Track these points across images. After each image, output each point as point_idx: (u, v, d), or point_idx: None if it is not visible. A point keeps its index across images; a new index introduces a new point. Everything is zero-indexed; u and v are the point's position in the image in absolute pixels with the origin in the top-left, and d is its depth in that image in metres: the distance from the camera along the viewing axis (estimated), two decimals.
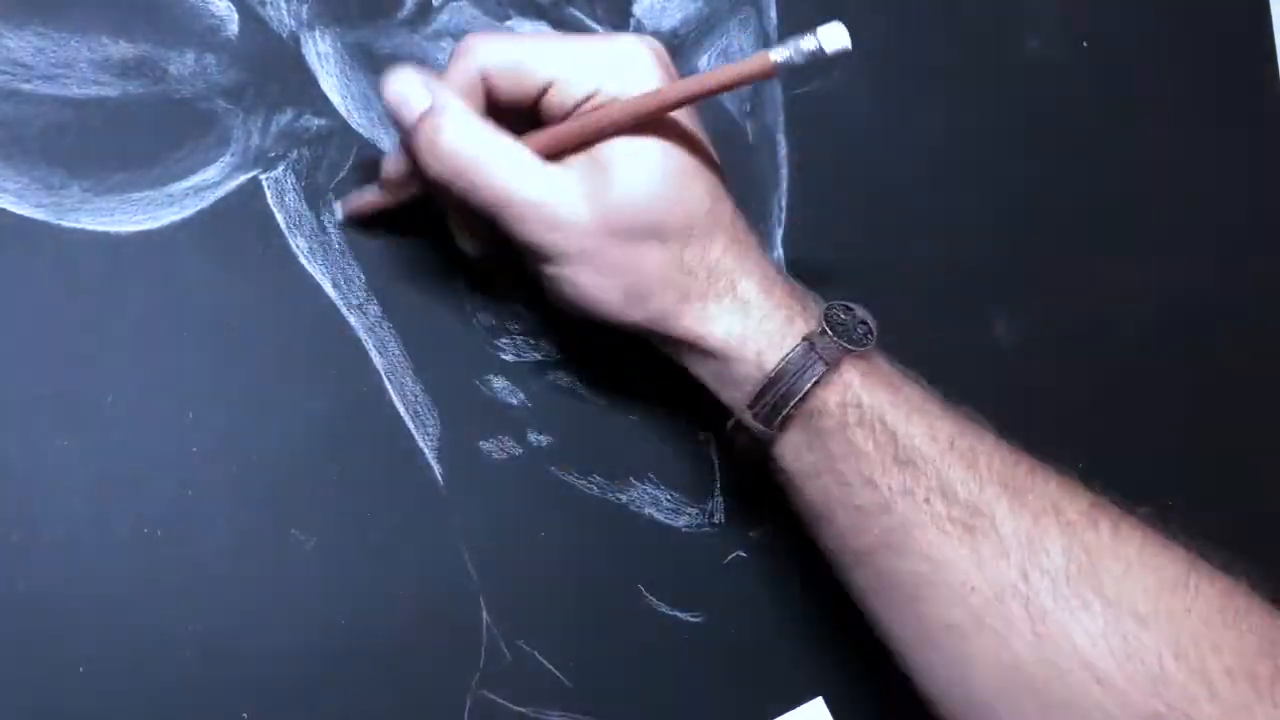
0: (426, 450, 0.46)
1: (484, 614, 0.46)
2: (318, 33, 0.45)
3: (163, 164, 0.42)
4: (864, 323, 0.43)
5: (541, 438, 0.48)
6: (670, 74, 0.41)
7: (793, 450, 0.42)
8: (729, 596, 0.50)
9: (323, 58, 0.45)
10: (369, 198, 0.44)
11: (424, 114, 0.40)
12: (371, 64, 0.45)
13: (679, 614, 0.50)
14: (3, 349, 0.40)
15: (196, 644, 0.42)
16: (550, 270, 0.42)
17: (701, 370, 0.43)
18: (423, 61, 0.46)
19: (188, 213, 0.43)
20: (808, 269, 0.53)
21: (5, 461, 0.40)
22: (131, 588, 0.41)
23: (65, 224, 0.41)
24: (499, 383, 0.47)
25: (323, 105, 0.45)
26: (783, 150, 0.53)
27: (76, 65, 0.41)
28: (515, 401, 0.47)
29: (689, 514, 0.50)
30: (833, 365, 0.41)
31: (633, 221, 0.41)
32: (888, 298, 0.55)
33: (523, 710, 0.47)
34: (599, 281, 0.41)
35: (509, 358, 0.47)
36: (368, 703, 0.44)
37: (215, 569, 0.43)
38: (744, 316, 0.42)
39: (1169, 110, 0.62)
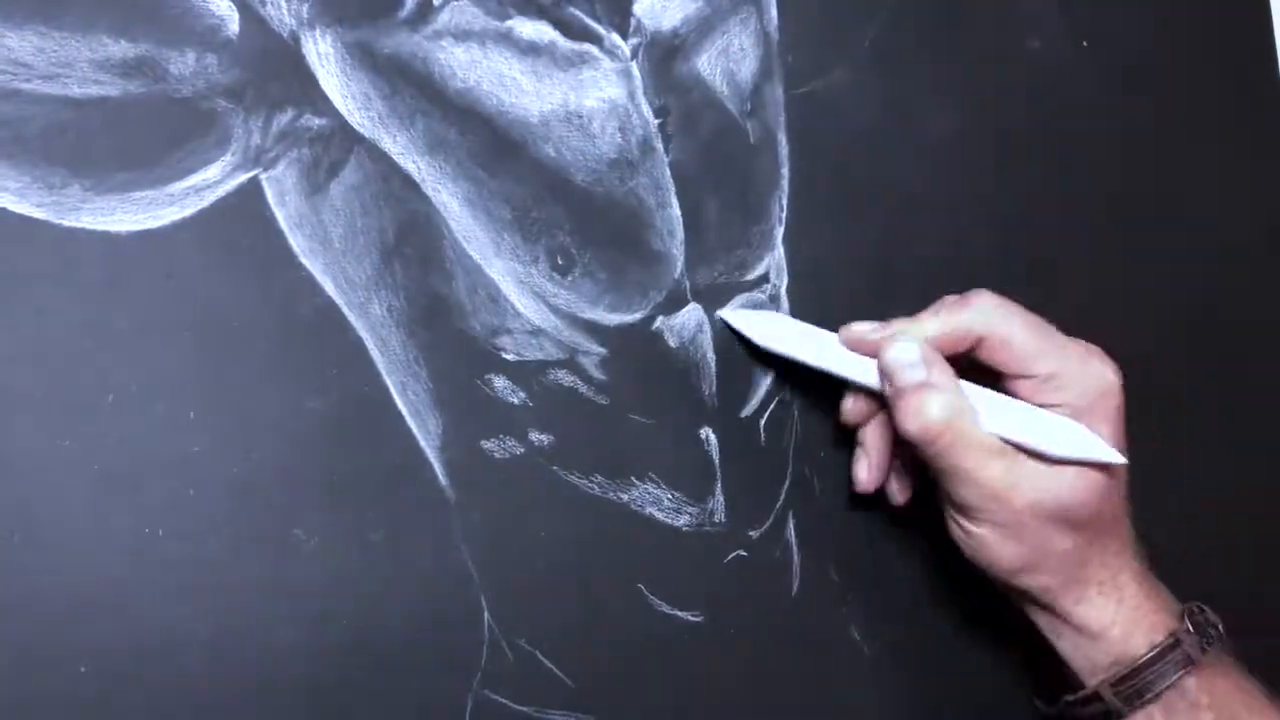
0: (427, 450, 0.46)
1: (485, 614, 0.46)
2: (318, 32, 0.45)
3: (163, 163, 0.42)
4: (1215, 625, 0.48)
5: (543, 437, 0.48)
6: (1121, 404, 0.48)
7: None
8: (729, 596, 0.50)
9: (323, 57, 0.45)
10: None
11: (915, 386, 0.46)
12: (372, 63, 0.45)
13: (679, 614, 0.50)
14: (3, 349, 0.40)
15: (196, 644, 0.42)
16: (967, 524, 0.47)
17: (1062, 642, 0.49)
18: (423, 61, 0.46)
19: (188, 212, 0.43)
20: (808, 269, 0.53)
21: (5, 461, 0.40)
22: (131, 588, 0.41)
23: (65, 223, 0.41)
24: (500, 382, 0.47)
25: (323, 105, 0.45)
26: (784, 150, 0.53)
27: (77, 65, 0.41)
28: (516, 401, 0.47)
29: (689, 514, 0.50)
30: (1193, 662, 0.47)
31: (1062, 514, 0.46)
32: (888, 297, 0.55)
33: (524, 710, 0.47)
34: (1007, 549, 0.47)
35: (510, 357, 0.47)
36: (368, 703, 0.44)
37: (215, 569, 0.42)
38: (1118, 604, 0.47)
39: (1169, 110, 0.62)
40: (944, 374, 0.46)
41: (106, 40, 0.42)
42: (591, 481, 0.48)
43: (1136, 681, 0.47)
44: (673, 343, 0.50)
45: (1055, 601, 0.47)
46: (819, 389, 0.53)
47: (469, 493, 0.46)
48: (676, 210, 0.50)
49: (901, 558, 0.55)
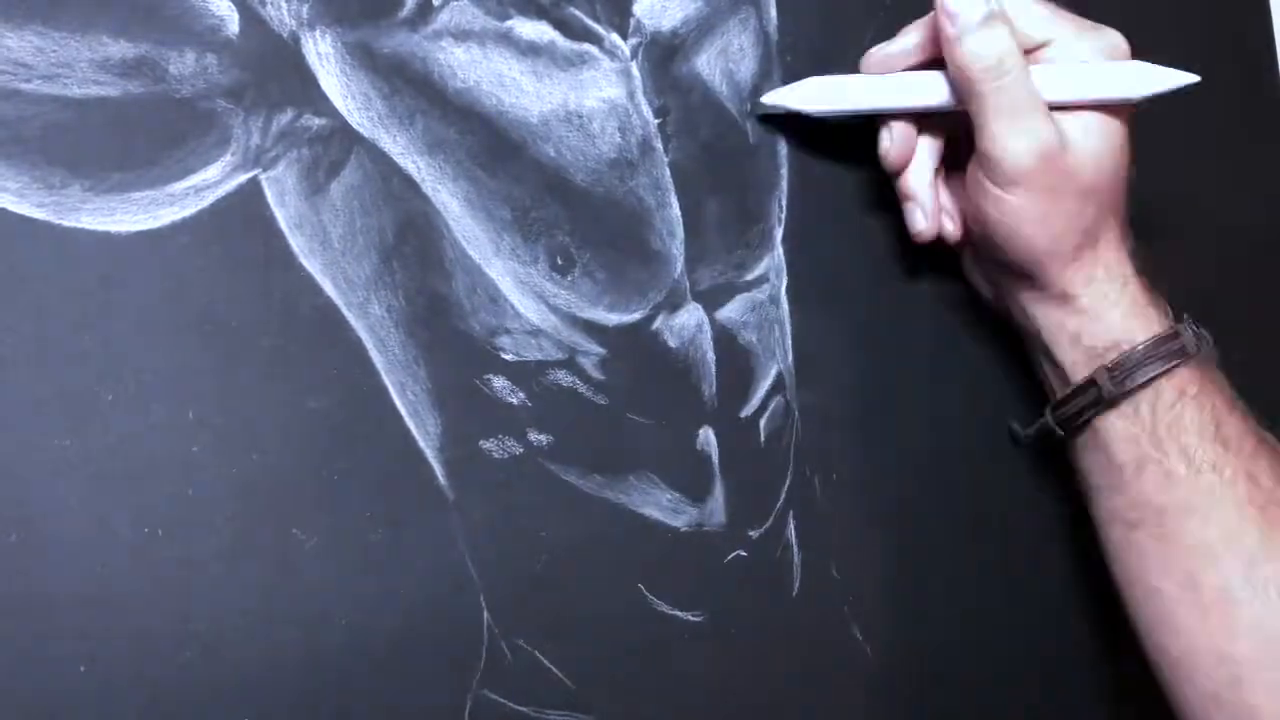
0: (427, 450, 0.46)
1: (484, 613, 0.46)
2: (318, 32, 0.45)
3: (163, 163, 0.42)
4: (1208, 338, 0.50)
5: (542, 437, 0.48)
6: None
7: (1127, 414, 0.49)
8: (729, 596, 0.50)
9: (323, 57, 0.45)
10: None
11: (986, 15, 0.46)
12: (372, 63, 0.45)
13: (679, 614, 0.50)
14: (3, 349, 0.40)
15: (196, 644, 0.42)
16: (1007, 188, 0.48)
17: (1056, 323, 0.50)
18: (423, 61, 0.46)
19: (188, 212, 0.43)
20: (808, 268, 0.53)
21: (5, 461, 0.40)
22: (131, 588, 0.41)
23: (65, 223, 0.41)
24: (499, 382, 0.47)
25: (323, 105, 0.45)
26: (783, 150, 0.53)
27: (77, 65, 0.41)
28: (515, 401, 0.47)
29: (689, 514, 0.50)
30: (1190, 355, 0.48)
31: (1094, 180, 0.48)
32: (887, 297, 0.55)
33: (524, 710, 0.47)
34: (1042, 214, 0.48)
35: (509, 357, 0.47)
36: (367, 702, 0.44)
37: (215, 569, 0.42)
38: (1122, 287, 0.49)
39: (1169, 110, 0.62)
40: (1008, 16, 0.47)
41: (106, 40, 0.42)
42: (591, 481, 0.48)
43: (1132, 366, 0.48)
44: (672, 343, 0.50)
45: (1069, 282, 0.49)
46: (819, 390, 0.53)
47: (468, 493, 0.46)
48: (676, 210, 0.50)
49: (901, 557, 0.55)
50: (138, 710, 0.41)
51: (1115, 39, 0.49)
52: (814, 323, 0.53)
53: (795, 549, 0.52)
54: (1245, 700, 0.45)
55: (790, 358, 0.52)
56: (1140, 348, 0.48)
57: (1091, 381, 0.49)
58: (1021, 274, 0.50)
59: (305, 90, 0.45)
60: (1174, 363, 0.48)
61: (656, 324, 0.49)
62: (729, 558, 0.51)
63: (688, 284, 0.50)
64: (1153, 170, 0.62)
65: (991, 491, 0.56)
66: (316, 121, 0.45)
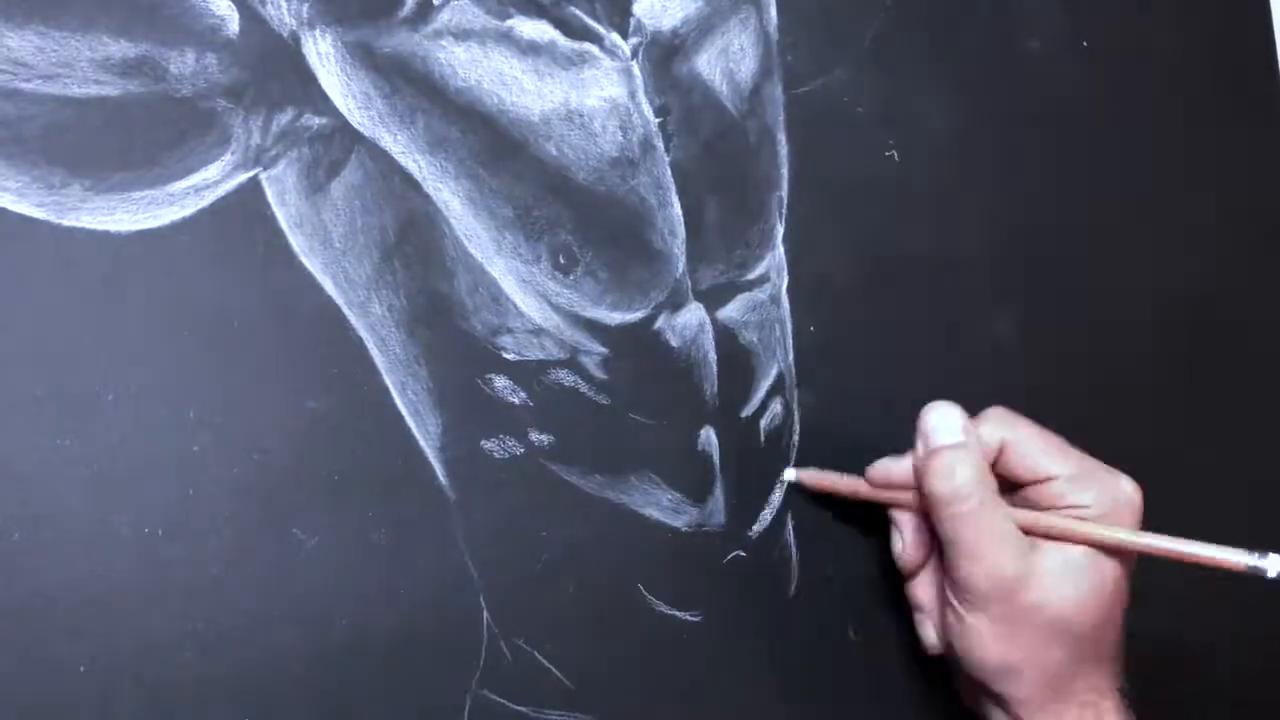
0: (427, 449, 0.46)
1: (484, 613, 0.46)
2: (318, 32, 0.45)
3: (163, 163, 0.42)
4: None
5: (543, 437, 0.48)
6: (1138, 517, 0.47)
7: None
8: (729, 596, 0.50)
9: (323, 57, 0.45)
10: (829, 483, 0.51)
11: (952, 445, 0.46)
12: (372, 63, 0.45)
13: (679, 614, 0.50)
14: (3, 349, 0.40)
15: (196, 644, 0.42)
16: (963, 610, 0.46)
17: None
18: (424, 60, 0.46)
19: (188, 212, 0.43)
20: (808, 268, 0.53)
21: (5, 461, 0.40)
22: (131, 588, 0.41)
23: (65, 223, 0.41)
24: (500, 382, 0.47)
25: (323, 104, 0.45)
26: (783, 149, 0.53)
27: (77, 64, 0.41)
28: (516, 400, 0.47)
29: (689, 514, 0.50)
30: None
31: (1065, 621, 0.45)
32: (888, 297, 0.55)
33: (523, 710, 0.47)
34: (997, 646, 0.46)
35: (511, 356, 0.47)
36: (367, 702, 0.44)
37: (215, 569, 0.42)
38: None
39: (1169, 110, 0.62)
40: (979, 447, 0.47)
41: (106, 40, 0.42)
42: (591, 481, 0.48)
43: None
44: (674, 342, 0.50)
45: (1034, 717, 0.46)
46: (819, 390, 0.53)
47: (469, 492, 0.46)
48: (677, 209, 0.50)
49: None
50: (138, 710, 0.41)
51: (1123, 491, 0.47)
52: (815, 322, 0.53)
53: (794, 549, 0.52)
54: None
55: (791, 357, 0.52)
56: None
57: None
58: (988, 693, 0.48)
59: (305, 89, 0.45)
60: None
61: (658, 323, 0.49)
62: (728, 558, 0.51)
63: (689, 283, 0.50)
64: (1153, 170, 0.62)
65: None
66: (317, 120, 0.45)
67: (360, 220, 0.45)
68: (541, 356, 0.48)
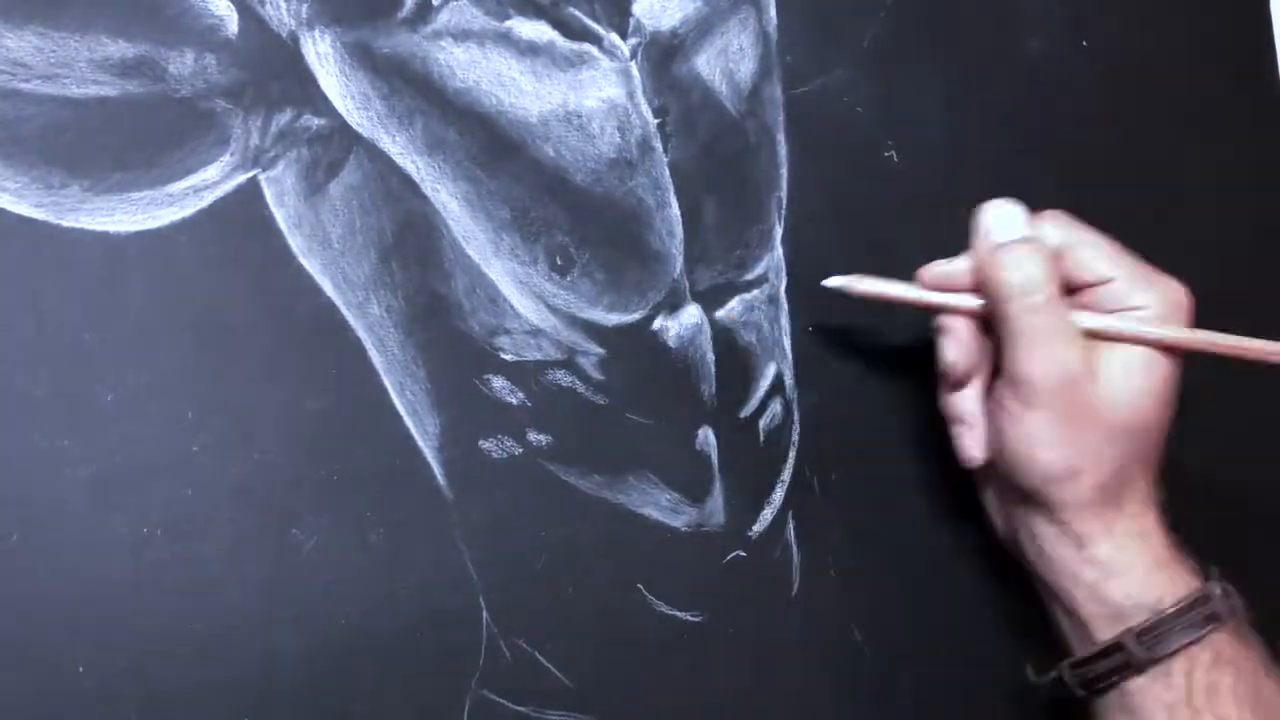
0: (426, 450, 0.46)
1: (484, 614, 0.46)
2: (317, 32, 0.45)
3: (162, 163, 0.42)
4: (1239, 598, 0.47)
5: (541, 437, 0.48)
6: (1191, 320, 0.48)
7: (1159, 678, 0.46)
8: (729, 596, 0.50)
9: (322, 57, 0.45)
10: (878, 289, 0.50)
11: (1020, 240, 0.46)
12: (371, 63, 0.45)
13: (679, 614, 0.50)
14: (3, 349, 0.40)
15: (196, 644, 0.42)
16: (1022, 410, 0.46)
17: (1071, 571, 0.47)
18: (423, 60, 0.46)
19: (187, 212, 0.43)
20: (808, 268, 0.53)
21: (5, 461, 0.40)
22: (131, 588, 0.41)
23: (65, 223, 0.41)
24: (498, 382, 0.47)
25: (322, 105, 0.45)
26: (783, 150, 0.53)
27: (76, 65, 0.41)
28: (515, 401, 0.47)
29: (688, 514, 0.50)
30: (1223, 619, 0.46)
31: (1125, 419, 0.46)
32: None
33: (523, 710, 0.47)
34: (1058, 446, 0.46)
35: (509, 357, 0.47)
36: (366, 702, 0.44)
37: (215, 569, 0.42)
38: (1143, 542, 0.47)
39: (1169, 110, 0.62)
40: (1043, 239, 0.47)
41: (105, 40, 0.42)
42: (590, 481, 0.48)
43: (1164, 631, 0.45)
44: (672, 343, 0.50)
45: (1086, 525, 0.47)
46: (819, 390, 0.53)
47: (467, 493, 0.46)
48: (676, 210, 0.50)
49: (901, 558, 0.55)
50: (138, 710, 0.41)
51: (1177, 293, 0.48)
52: (814, 322, 0.53)
53: (794, 549, 0.52)
54: None
55: (790, 358, 0.52)
56: (1170, 611, 0.46)
57: (1118, 645, 0.46)
58: (1037, 503, 0.48)
59: (304, 90, 0.45)
60: (1208, 628, 0.45)
61: (656, 324, 0.49)
62: (728, 558, 0.51)
63: (687, 284, 0.50)
64: (1153, 170, 0.62)
65: None
66: (316, 121, 0.45)
67: (359, 221, 0.45)
68: (539, 357, 0.48)
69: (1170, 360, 0.47)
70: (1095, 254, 0.48)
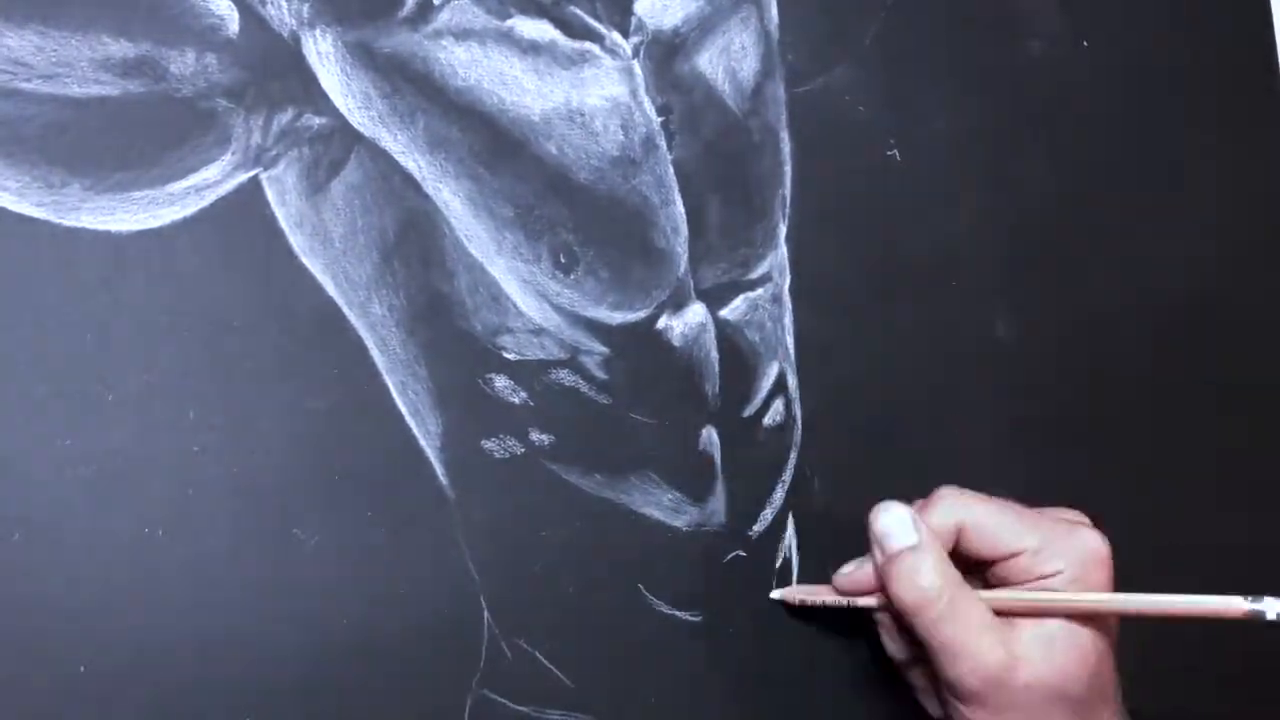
0: (428, 449, 0.46)
1: (484, 613, 0.46)
2: (318, 31, 0.45)
3: (163, 163, 0.42)
4: None
5: (543, 437, 0.48)
6: (1110, 570, 0.46)
7: None
8: (729, 596, 0.50)
9: (323, 57, 0.45)
10: (814, 598, 0.50)
11: (908, 549, 0.45)
12: (372, 62, 0.45)
13: (679, 614, 0.50)
14: (3, 349, 0.40)
15: (196, 644, 0.42)
16: (964, 708, 0.45)
17: None
18: (424, 60, 0.46)
19: (188, 211, 0.43)
20: (811, 267, 0.53)
21: (5, 461, 0.40)
22: (131, 588, 0.41)
23: (65, 223, 0.41)
24: (501, 381, 0.47)
25: (323, 104, 0.45)
26: (786, 148, 0.53)
27: (77, 64, 0.41)
28: (517, 400, 0.47)
29: (689, 514, 0.50)
30: None
31: (1062, 689, 0.45)
32: (890, 295, 0.55)
33: (523, 710, 0.47)
34: None
35: (511, 356, 0.47)
36: (368, 703, 0.44)
37: (215, 569, 0.42)
38: None
39: (1169, 110, 0.62)
40: (936, 541, 0.46)
41: (106, 40, 0.42)
42: (592, 481, 0.48)
43: None
44: (676, 342, 0.50)
45: None
46: (821, 389, 0.53)
47: (469, 492, 0.46)
48: (680, 208, 0.50)
49: None
50: (138, 710, 0.41)
51: (1090, 550, 0.46)
52: (817, 322, 0.53)
53: (795, 549, 0.52)
54: None
55: (793, 357, 0.52)
56: None
57: None
58: None
59: (306, 89, 0.45)
60: None
61: (660, 323, 0.49)
62: (729, 558, 0.51)
63: (691, 282, 0.50)
64: (1153, 169, 0.62)
65: (991, 491, 0.56)
66: (317, 120, 0.45)
67: (360, 220, 0.45)
68: (542, 356, 0.48)
69: (1096, 625, 0.46)
70: (997, 528, 0.46)
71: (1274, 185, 0.65)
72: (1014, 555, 0.46)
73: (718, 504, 0.50)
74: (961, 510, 0.47)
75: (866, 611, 0.49)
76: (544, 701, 0.47)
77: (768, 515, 0.52)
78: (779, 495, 0.52)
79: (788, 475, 0.52)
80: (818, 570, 0.52)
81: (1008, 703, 0.45)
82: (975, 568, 0.47)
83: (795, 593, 0.51)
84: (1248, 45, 0.66)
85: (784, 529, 0.52)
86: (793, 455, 0.52)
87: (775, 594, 0.51)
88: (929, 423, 0.55)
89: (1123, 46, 0.61)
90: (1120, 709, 0.47)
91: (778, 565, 0.52)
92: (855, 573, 0.48)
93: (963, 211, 0.57)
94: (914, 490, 0.54)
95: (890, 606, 0.47)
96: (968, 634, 0.44)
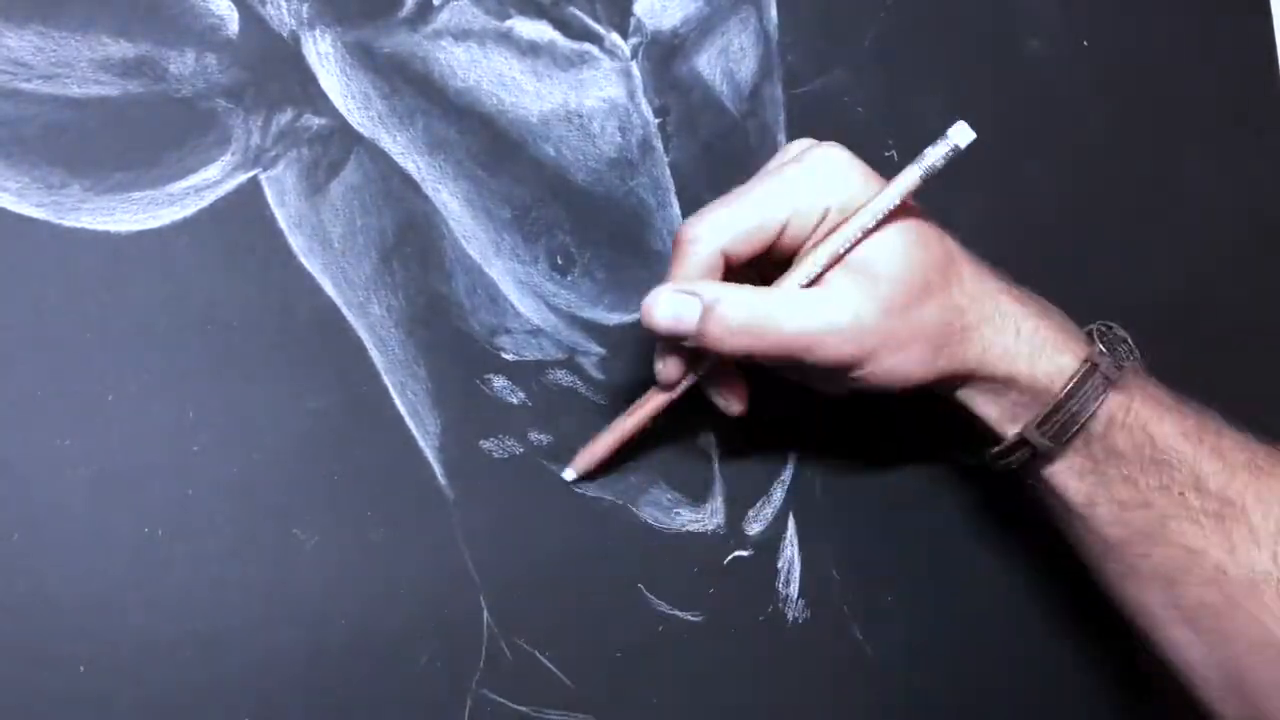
0: (427, 449, 0.46)
1: (484, 613, 0.46)
2: (318, 32, 0.45)
3: (163, 163, 0.42)
4: (1125, 341, 0.48)
5: (542, 437, 0.48)
6: (864, 168, 0.45)
7: (1066, 461, 0.47)
8: (729, 596, 0.50)
9: (323, 57, 0.45)
10: (601, 447, 0.48)
11: (704, 315, 0.43)
12: (372, 63, 0.45)
13: (679, 614, 0.50)
14: (3, 349, 0.40)
15: (196, 644, 0.42)
16: (857, 373, 0.45)
17: (979, 399, 0.48)
18: (423, 60, 0.46)
19: (188, 212, 0.43)
20: None
21: (5, 461, 0.40)
22: (131, 588, 0.41)
23: (65, 223, 0.41)
24: (499, 382, 0.47)
25: (323, 104, 0.45)
26: None
27: (77, 64, 0.41)
28: (516, 401, 0.47)
29: (689, 514, 0.50)
30: (1111, 383, 0.46)
31: (907, 296, 0.44)
32: None
33: (523, 709, 0.47)
34: (900, 358, 0.44)
35: (509, 357, 0.47)
36: (367, 702, 0.44)
37: (215, 569, 0.42)
38: (1015, 336, 0.46)
39: (1169, 110, 0.62)
40: (713, 285, 0.44)
41: (106, 40, 0.42)
42: (590, 481, 0.48)
43: (1060, 416, 0.46)
44: None
45: (967, 361, 0.46)
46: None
47: (468, 492, 0.46)
48: (677, 210, 0.50)
49: (901, 558, 0.55)
50: (138, 710, 0.41)
51: (829, 159, 0.45)
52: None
53: (795, 549, 0.52)
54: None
55: None
56: (1062, 394, 0.46)
57: (1023, 440, 0.47)
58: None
59: (305, 90, 0.45)
60: (1100, 398, 0.46)
61: None
62: (729, 558, 0.51)
63: None
64: (1153, 169, 0.62)
65: (992, 491, 0.56)
66: (316, 121, 0.45)
67: (359, 221, 0.45)
68: (540, 357, 0.48)
69: (897, 218, 0.44)
70: (746, 227, 0.44)
71: (1274, 185, 0.65)
72: (780, 233, 0.44)
73: (717, 504, 0.50)
74: (713, 238, 0.44)
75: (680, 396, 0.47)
76: (544, 701, 0.47)
77: (767, 515, 0.52)
78: (779, 495, 0.52)
79: (787, 475, 0.52)
80: (819, 570, 0.52)
81: (880, 342, 0.44)
82: (760, 263, 0.45)
83: (583, 459, 0.48)
84: (1248, 45, 0.65)
85: (784, 529, 0.52)
86: (792, 455, 0.52)
87: (568, 473, 0.48)
88: (929, 422, 0.55)
89: (1123, 46, 0.61)
90: (986, 267, 0.47)
91: (778, 565, 0.52)
92: (668, 364, 0.46)
93: (963, 211, 0.57)
94: (913, 489, 0.55)
95: (717, 368, 0.46)
96: (806, 321, 0.43)
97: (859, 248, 0.44)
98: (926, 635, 0.55)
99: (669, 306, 0.44)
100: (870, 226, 0.44)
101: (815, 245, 0.44)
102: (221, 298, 0.43)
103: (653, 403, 0.47)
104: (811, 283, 0.44)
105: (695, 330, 0.43)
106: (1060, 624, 0.58)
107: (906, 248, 0.44)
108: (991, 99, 0.58)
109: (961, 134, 0.43)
